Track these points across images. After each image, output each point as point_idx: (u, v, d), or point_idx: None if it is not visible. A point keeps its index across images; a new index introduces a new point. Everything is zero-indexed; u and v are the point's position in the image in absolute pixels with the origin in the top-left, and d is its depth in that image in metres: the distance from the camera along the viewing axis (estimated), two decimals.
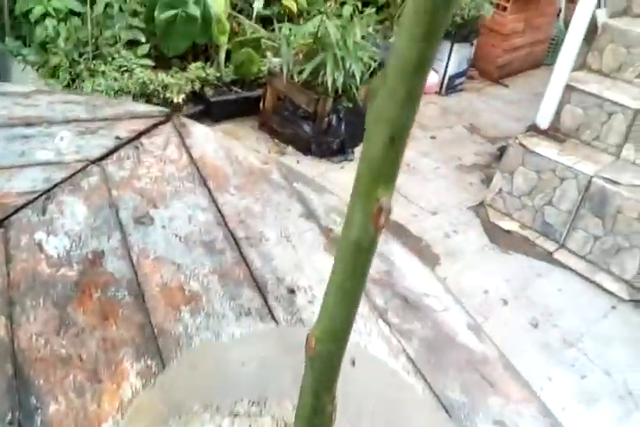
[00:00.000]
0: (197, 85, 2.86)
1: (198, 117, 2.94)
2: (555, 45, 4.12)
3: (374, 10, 3.54)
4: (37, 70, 2.54)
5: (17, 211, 0.78)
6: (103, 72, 2.51)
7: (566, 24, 3.29)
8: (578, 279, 2.42)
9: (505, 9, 3.77)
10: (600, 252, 2.44)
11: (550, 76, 2.75)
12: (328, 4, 3.41)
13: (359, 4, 3.38)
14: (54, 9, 2.56)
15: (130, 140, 0.98)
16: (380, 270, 0.87)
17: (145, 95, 2.68)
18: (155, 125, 1.04)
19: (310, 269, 0.83)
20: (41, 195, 0.82)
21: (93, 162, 0.91)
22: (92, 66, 2.51)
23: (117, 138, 0.97)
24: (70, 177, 0.87)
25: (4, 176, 0.84)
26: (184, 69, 2.89)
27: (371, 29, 3.38)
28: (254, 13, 3.25)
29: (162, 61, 2.92)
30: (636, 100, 2.52)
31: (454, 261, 2.43)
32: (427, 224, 2.62)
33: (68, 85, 2.49)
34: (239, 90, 3.05)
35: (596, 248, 2.46)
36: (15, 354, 0.61)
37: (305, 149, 2.95)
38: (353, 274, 0.34)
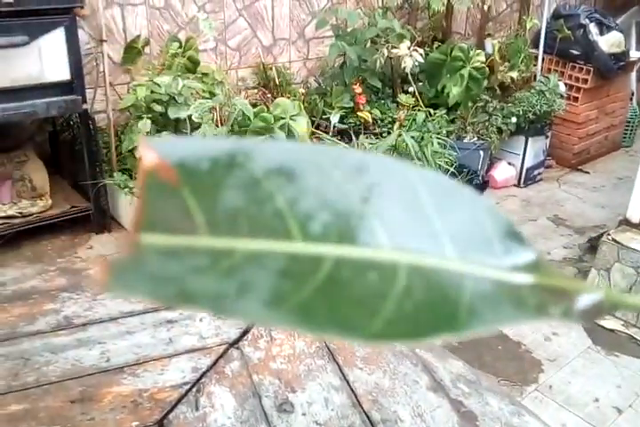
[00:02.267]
0: None
1: None
2: (631, 128, 4.10)
3: (444, 111, 3.69)
4: None
5: (173, 408, 0.86)
6: None
7: None
8: None
9: (576, 99, 3.83)
10: None
11: (632, 161, 2.73)
12: (401, 111, 3.58)
13: (430, 109, 3.53)
14: None
15: None
16: None
17: None
18: None
19: None
20: (192, 387, 0.90)
21: (232, 344, 0.99)
22: None
23: None
24: (215, 364, 0.94)
25: (156, 369, 0.92)
26: None
27: (444, 131, 3.51)
28: (332, 127, 3.46)
29: None
30: None
31: (558, 366, 2.34)
32: (525, 327, 2.56)
33: None
34: None
35: None
36: None
37: None
38: None
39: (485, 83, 3.72)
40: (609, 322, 2.57)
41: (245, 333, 1.02)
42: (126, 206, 2.91)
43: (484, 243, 0.22)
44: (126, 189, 2.84)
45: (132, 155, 2.85)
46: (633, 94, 4.30)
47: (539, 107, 3.59)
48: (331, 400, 0.91)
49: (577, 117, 3.89)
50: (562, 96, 3.73)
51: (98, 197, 2.86)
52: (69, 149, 2.93)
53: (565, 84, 3.88)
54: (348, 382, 0.95)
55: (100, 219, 2.90)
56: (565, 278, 0.21)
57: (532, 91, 3.74)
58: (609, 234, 2.63)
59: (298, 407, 0.89)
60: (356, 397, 0.92)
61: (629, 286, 2.55)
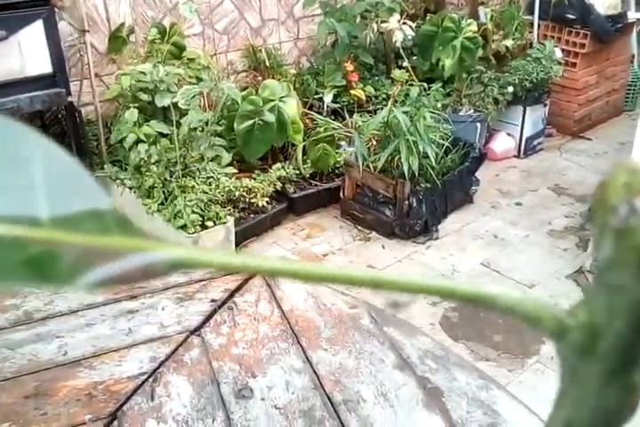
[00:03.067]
0: (279, 185, 2.99)
1: (283, 214, 3.06)
2: (633, 91, 4.00)
3: (440, 84, 3.61)
4: (135, 192, 2.75)
5: (128, 399, 0.84)
6: (193, 187, 2.69)
7: None
8: None
9: (574, 65, 3.73)
10: None
11: (635, 126, 2.65)
12: (395, 87, 3.52)
13: (425, 84, 3.46)
14: (145, 134, 2.79)
15: (224, 302, 1.04)
16: (483, 424, 0.85)
17: (232, 201, 2.83)
18: (246, 280, 1.10)
19: None
20: (149, 377, 0.88)
21: (193, 332, 0.97)
22: (183, 182, 2.70)
23: (213, 301, 1.03)
24: (173, 352, 0.93)
25: (114, 360, 0.91)
26: (265, 171, 3.04)
27: (439, 105, 3.44)
28: (325, 107, 3.41)
29: (244, 166, 3.09)
30: None
31: None
32: None
33: (162, 203, 2.67)
34: (318, 183, 3.15)
35: None
36: None
37: (388, 232, 2.97)
38: None
39: (480, 53, 3.63)
40: None
41: (208, 319, 1.00)
42: (119, 198, 2.90)
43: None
44: (118, 181, 2.83)
45: (122, 146, 2.83)
46: (634, 57, 4.18)
47: (535, 74, 3.50)
48: (292, 383, 0.89)
49: (576, 83, 3.79)
50: (559, 62, 3.63)
51: None
52: (59, 143, 2.90)
53: (562, 50, 3.78)
54: (311, 364, 0.93)
55: None
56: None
57: (528, 58, 3.65)
58: None
59: (257, 392, 0.87)
60: (318, 378, 0.90)
61: None
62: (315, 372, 0.91)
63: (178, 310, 1.02)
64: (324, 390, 0.88)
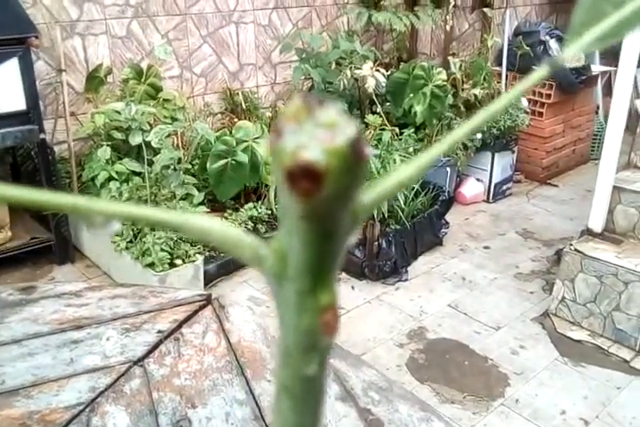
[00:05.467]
0: (250, 224, 3.00)
1: None
2: (599, 140, 4.14)
3: (412, 130, 3.71)
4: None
5: None
6: None
7: (606, 118, 3.32)
8: None
9: (541, 114, 3.86)
10: None
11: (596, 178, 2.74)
12: (368, 131, 3.60)
13: (397, 129, 3.55)
14: (117, 172, 2.81)
15: (171, 333, 1.03)
16: None
17: (202, 241, 2.83)
18: (195, 312, 1.10)
19: None
20: (85, 407, 0.87)
21: (136, 362, 0.96)
22: None
23: (159, 332, 1.03)
24: (114, 383, 0.92)
25: (52, 390, 0.89)
26: (237, 211, 3.06)
27: (411, 150, 3.52)
28: None
29: (216, 206, 3.10)
30: None
31: (525, 380, 2.30)
32: (491, 341, 2.52)
33: (130, 241, 2.66)
34: None
35: None
36: None
37: (358, 273, 2.98)
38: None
39: (450, 100, 3.75)
40: (575, 333, 2.54)
41: (152, 350, 1.00)
42: (88, 236, 2.89)
43: None
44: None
45: (94, 183, 2.84)
46: (598, 108, 4.35)
47: (502, 122, 3.62)
48: (232, 415, 0.88)
49: (543, 132, 3.92)
50: (526, 111, 3.76)
51: (59, 228, 2.83)
52: (30, 179, 2.91)
53: (529, 100, 3.92)
54: (253, 396, 0.92)
55: (62, 249, 2.87)
56: None
57: None
58: (571, 244, 2.62)
59: (196, 424, 0.86)
60: (259, 410, 0.89)
61: (594, 296, 2.53)
62: (256, 403, 0.90)
63: (123, 341, 1.01)
64: (265, 422, 0.87)
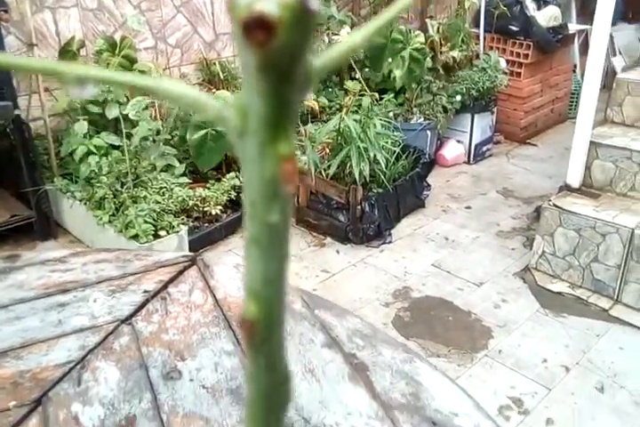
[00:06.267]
0: (233, 194, 3.01)
1: (237, 223, 3.07)
2: (576, 99, 4.16)
3: (392, 95, 3.70)
4: (85, 204, 2.74)
5: (54, 385, 0.85)
6: (145, 197, 2.69)
7: (584, 77, 3.34)
8: (639, 334, 2.32)
9: (519, 75, 3.86)
10: None
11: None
12: (347, 97, 3.59)
13: (377, 94, 3.54)
14: (95, 146, 2.79)
15: (157, 292, 1.05)
16: (405, 393, 0.88)
17: (185, 211, 2.84)
18: (180, 272, 1.11)
19: (336, 404, 0.85)
20: (76, 364, 0.89)
21: (124, 321, 0.98)
22: (134, 193, 2.70)
23: (146, 292, 1.05)
24: (103, 341, 0.94)
25: (42, 350, 0.91)
26: (219, 180, 3.06)
27: (391, 114, 3.52)
28: None
29: (198, 177, 3.10)
30: None
31: (508, 332, 2.37)
32: (474, 297, 2.58)
33: (113, 214, 2.66)
34: None
35: None
36: None
37: (343, 238, 3.01)
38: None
39: (429, 64, 3.74)
40: (556, 285, 2.60)
41: (140, 309, 1.02)
42: (69, 211, 2.88)
43: None
44: (68, 194, 2.81)
45: (72, 158, 2.82)
46: (576, 66, 4.36)
47: (481, 84, 3.62)
48: (221, 364, 0.91)
49: (521, 92, 3.93)
50: (504, 72, 3.77)
51: (40, 204, 2.82)
52: (8, 157, 2.88)
53: (508, 61, 3.92)
54: (241, 347, 0.94)
55: (43, 226, 2.87)
56: None
57: (475, 69, 3.77)
58: (550, 200, 2.66)
59: (186, 374, 0.89)
60: None
61: (573, 249, 2.59)
62: (244, 353, 0.93)
63: (110, 302, 1.02)
64: None
